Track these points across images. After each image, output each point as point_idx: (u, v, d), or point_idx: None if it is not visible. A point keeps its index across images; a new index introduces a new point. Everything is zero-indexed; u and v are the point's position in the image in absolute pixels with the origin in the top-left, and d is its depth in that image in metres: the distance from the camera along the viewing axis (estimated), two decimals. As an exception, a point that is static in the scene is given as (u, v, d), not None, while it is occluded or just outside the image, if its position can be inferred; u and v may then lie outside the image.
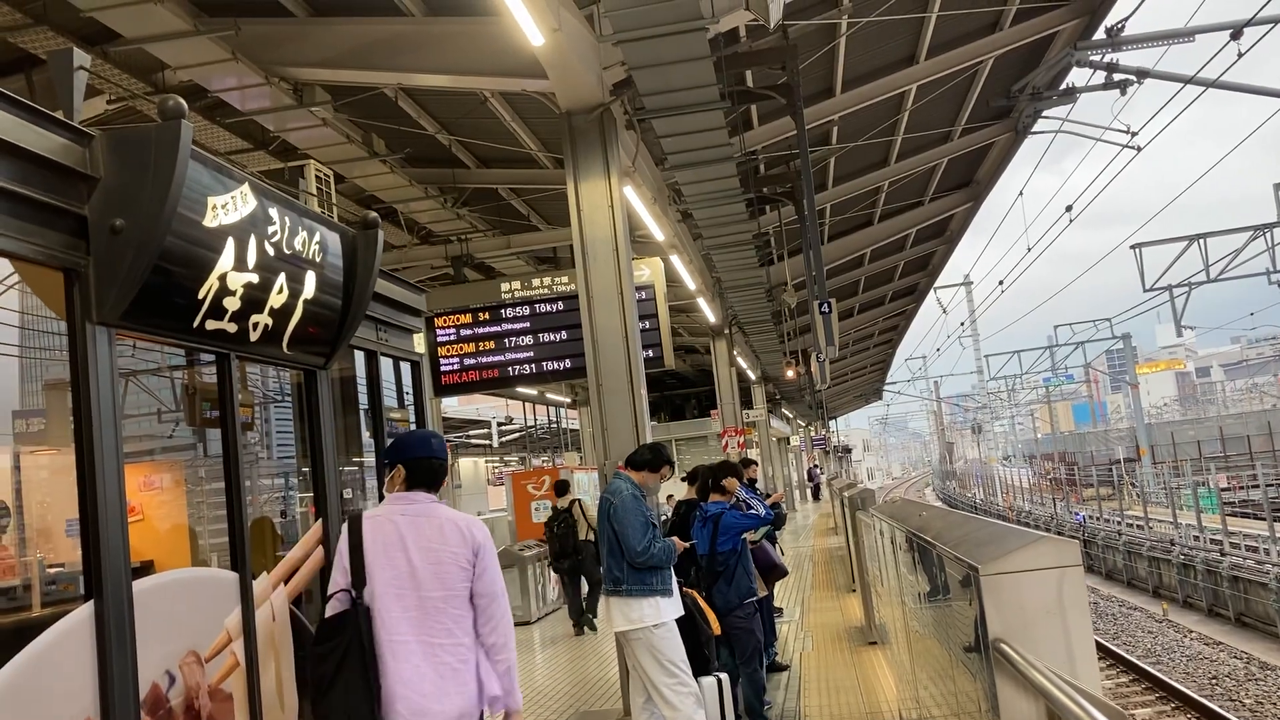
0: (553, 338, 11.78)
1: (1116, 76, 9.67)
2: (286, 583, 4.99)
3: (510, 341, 11.92)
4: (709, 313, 17.18)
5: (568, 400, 28.37)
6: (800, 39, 9.86)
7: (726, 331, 19.54)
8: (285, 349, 5.05)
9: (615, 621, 5.70)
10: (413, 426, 7.17)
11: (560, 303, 11.79)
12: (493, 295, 12.25)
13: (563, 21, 6.92)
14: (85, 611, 3.61)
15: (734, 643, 6.59)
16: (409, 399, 6.98)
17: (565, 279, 11.99)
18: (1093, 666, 2.78)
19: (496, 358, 11.88)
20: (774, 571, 8.04)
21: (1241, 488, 37.99)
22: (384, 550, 3.79)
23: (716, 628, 6.21)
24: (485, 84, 8.45)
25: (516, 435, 37.91)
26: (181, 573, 4.27)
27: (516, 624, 6.09)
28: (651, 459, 6.00)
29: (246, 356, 4.84)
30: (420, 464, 3.95)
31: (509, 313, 11.95)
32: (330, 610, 3.77)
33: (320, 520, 5.36)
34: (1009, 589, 2.78)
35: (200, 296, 4.25)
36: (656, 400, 29.15)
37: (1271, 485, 27.83)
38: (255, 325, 4.73)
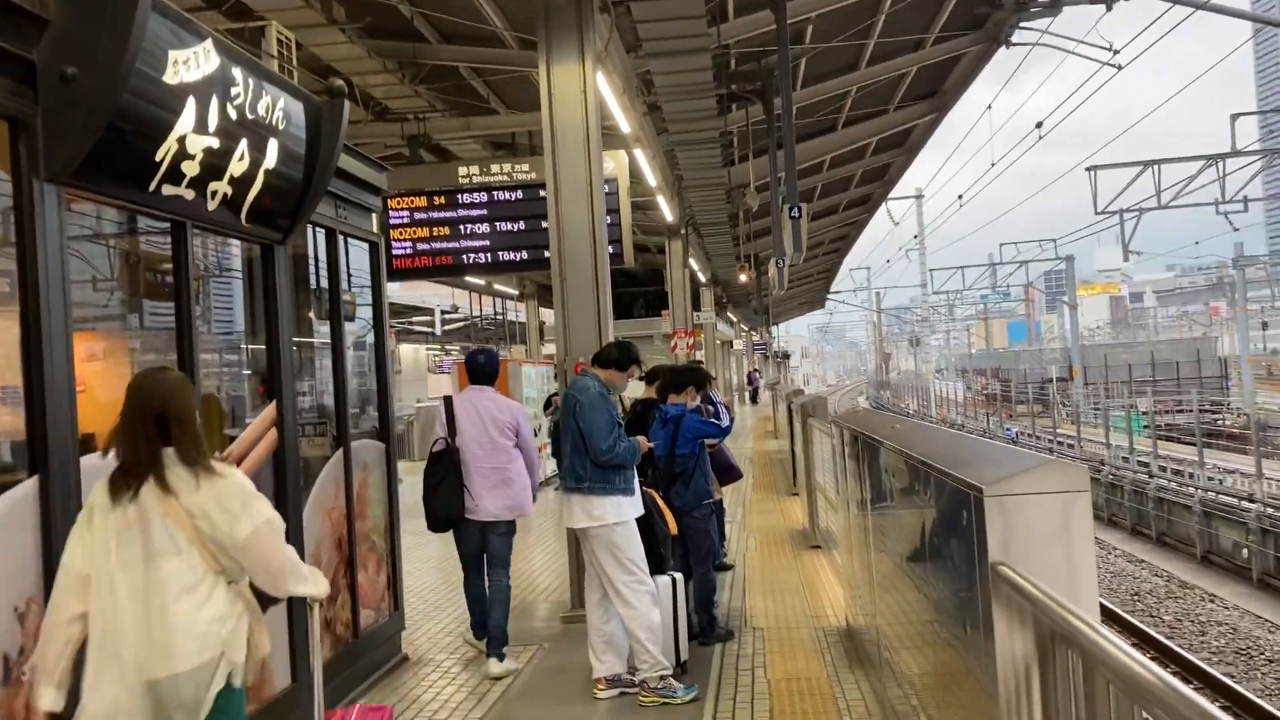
0: (510, 227, 11.47)
1: (1103, -9, 9.50)
2: (239, 464, 4.81)
3: (466, 228, 11.58)
4: (667, 211, 16.92)
5: (516, 293, 28.04)
6: (784, -72, 9.49)
7: (683, 231, 19.31)
8: (244, 220, 4.78)
9: (575, 518, 5.62)
10: (369, 309, 6.94)
11: (520, 191, 11.45)
12: (449, 179, 11.86)
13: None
14: (28, 487, 3.41)
15: (689, 543, 6.57)
16: (356, 279, 6.72)
17: (526, 166, 11.64)
18: (1093, 594, 2.73)
19: (451, 244, 11.55)
20: (730, 473, 8.03)
21: (1168, 412, 39.04)
22: (467, 415, 6.42)
23: (674, 527, 6.17)
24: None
25: (461, 325, 37.54)
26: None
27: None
28: (620, 357, 5.88)
29: (203, 226, 4.57)
30: (476, 370, 6.66)
31: (466, 198, 11.58)
32: (435, 449, 6.41)
33: (275, 401, 5.17)
34: (1013, 512, 2.70)
35: (158, 159, 3.96)
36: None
37: (1204, 410, 28.70)
38: (214, 193, 4.45)
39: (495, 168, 11.74)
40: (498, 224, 11.51)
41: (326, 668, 5.32)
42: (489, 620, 6.36)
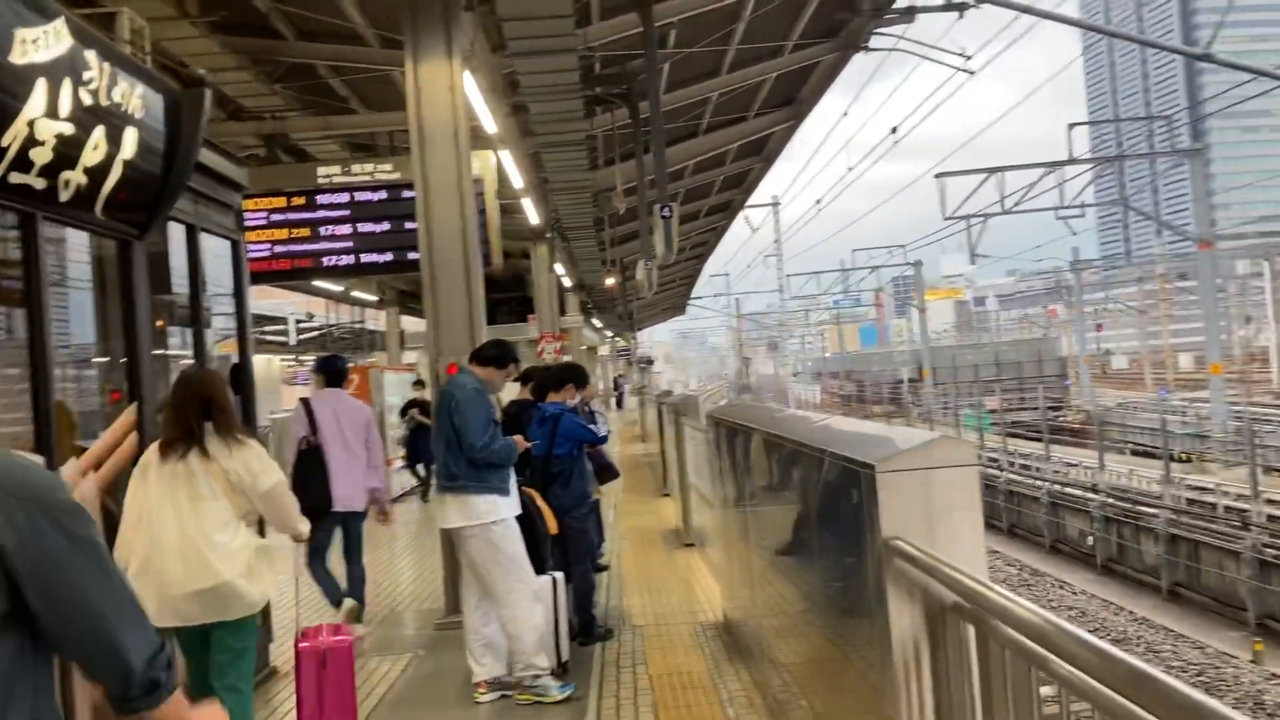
0: (373, 228, 11.20)
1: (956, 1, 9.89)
2: (96, 470, 4.54)
3: (326, 230, 11.24)
4: (533, 214, 16.79)
5: (375, 299, 27.43)
6: (649, -68, 9.55)
7: (548, 235, 19.22)
8: (99, 213, 4.53)
9: (450, 518, 5.52)
10: (230, 311, 6.67)
11: (383, 191, 11.18)
12: (308, 180, 11.51)
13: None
14: None
15: (568, 543, 6.53)
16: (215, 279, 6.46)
17: (389, 166, 11.39)
18: (984, 566, 2.81)
19: (311, 246, 11.19)
20: (608, 472, 8.01)
21: (1013, 409, 40.87)
22: (324, 415, 7.01)
23: (554, 527, 6.13)
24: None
25: (317, 334, 36.51)
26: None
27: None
28: (498, 355, 5.81)
29: (55, 218, 4.31)
30: (332, 373, 7.44)
31: (326, 199, 11.25)
32: (301, 447, 6.82)
33: (134, 404, 4.90)
34: (904, 488, 2.76)
35: (4, 144, 3.72)
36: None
37: (1048, 408, 30.09)
38: (67, 183, 4.20)
39: (357, 168, 11.46)
40: (360, 225, 11.22)
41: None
42: (350, 593, 6.98)
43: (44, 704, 1.63)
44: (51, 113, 3.86)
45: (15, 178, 3.83)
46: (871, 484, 2.78)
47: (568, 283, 26.68)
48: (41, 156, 3.91)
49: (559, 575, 6.05)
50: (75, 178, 4.21)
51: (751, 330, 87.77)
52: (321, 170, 11.53)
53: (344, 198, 11.23)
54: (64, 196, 4.19)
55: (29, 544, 1.54)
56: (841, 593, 3.25)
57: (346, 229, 11.19)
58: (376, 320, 33.62)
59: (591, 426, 6.94)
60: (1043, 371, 50.34)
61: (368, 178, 11.33)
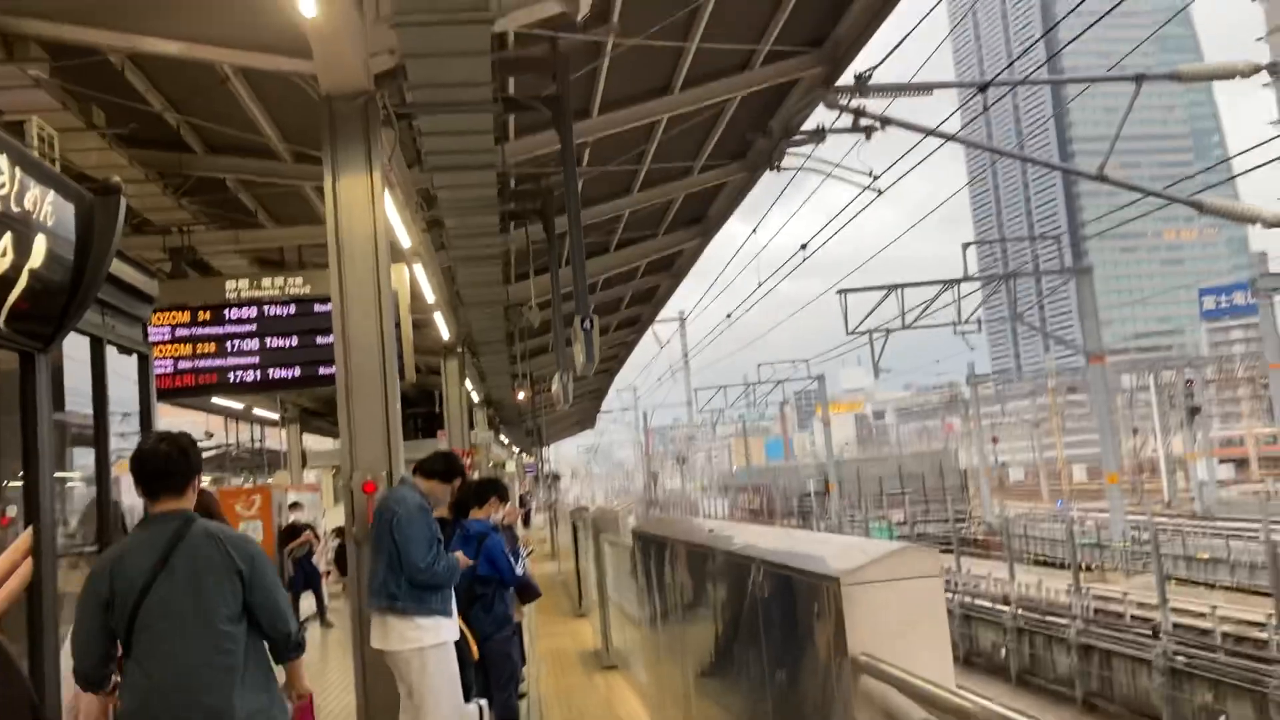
0: (282, 343, 10.94)
1: (863, 122, 10.25)
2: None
3: (233, 345, 10.95)
4: (444, 329, 16.67)
5: (276, 417, 26.75)
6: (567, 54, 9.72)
7: (459, 350, 19.06)
8: (1, 324, 4.29)
9: (389, 640, 5.24)
10: (137, 431, 6.35)
11: (293, 306, 10.97)
12: (215, 294, 11.24)
13: (331, -3, 6.42)
14: None
15: (491, 668, 6.26)
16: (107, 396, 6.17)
17: (300, 280, 11.19)
18: (951, 680, 2.71)
19: (217, 361, 10.86)
20: (529, 591, 7.75)
21: (917, 521, 41.40)
22: None
23: (475, 652, 5.88)
24: (238, 59, 7.70)
25: (213, 453, 35.39)
26: None
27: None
28: (445, 469, 5.63)
29: (-46, 329, 4.06)
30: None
31: (234, 314, 10.97)
32: None
33: (31, 528, 4.58)
34: (872, 601, 2.67)
35: (-97, 250, 3.51)
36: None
37: (950, 520, 30.61)
38: (-32, 292, 3.98)
39: (266, 282, 11.23)
40: (268, 340, 10.96)
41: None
42: None
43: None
44: (-43, 218, 3.67)
45: (-86, 286, 3.61)
46: (836, 597, 2.69)
47: (476, 398, 26.43)
48: (-57, 264, 3.70)
49: (484, 702, 5.79)
50: (-22, 287, 3.99)
51: (659, 444, 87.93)
52: (229, 284, 11.27)
53: (252, 312, 10.98)
54: (-35, 306, 3.96)
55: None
56: (804, 709, 3.11)
57: (254, 344, 10.91)
58: (278, 439, 32.78)
59: (513, 564, 6.68)
60: (944, 483, 51.20)
61: (277, 292, 11.10)
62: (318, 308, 10.82)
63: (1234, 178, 22.43)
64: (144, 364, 6.33)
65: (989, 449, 58.74)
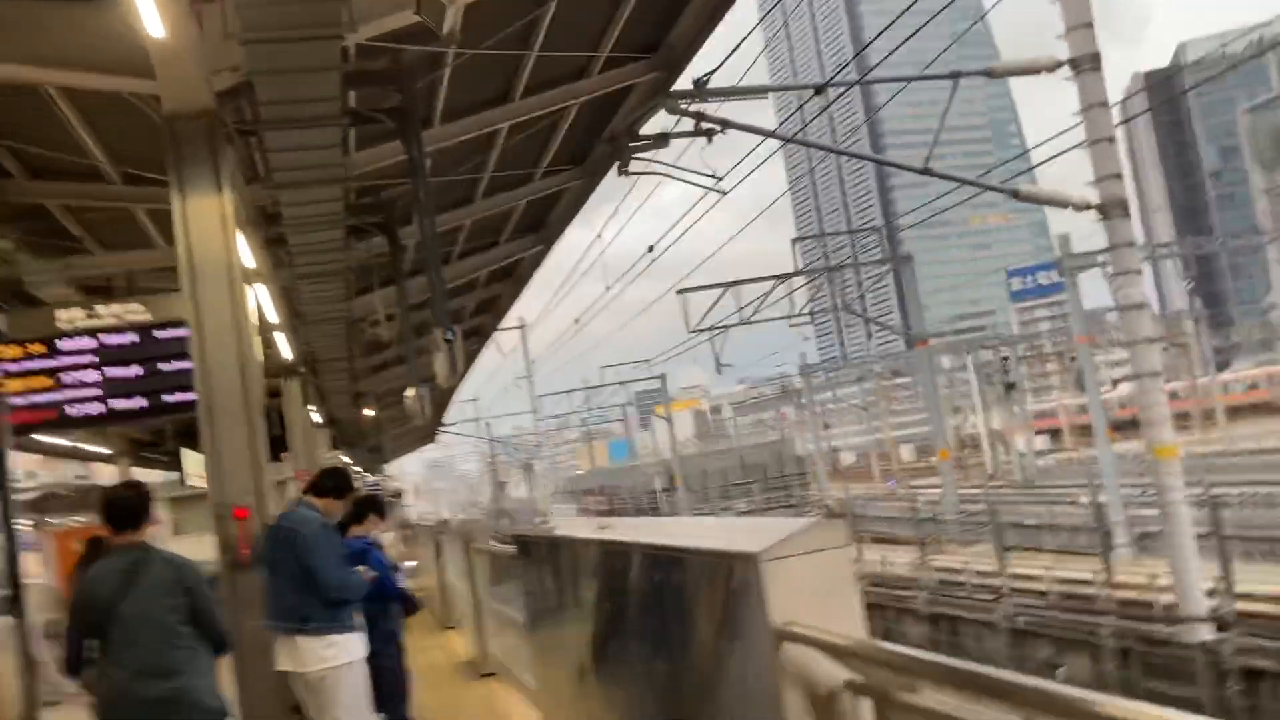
0: (125, 373, 10.49)
1: (704, 125, 10.57)
2: None
3: (70, 377, 10.43)
4: (285, 349, 16.26)
5: (108, 451, 25.42)
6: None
7: (301, 370, 18.59)
8: None
9: (306, 661, 5.20)
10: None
11: (134, 334, 10.51)
12: (45, 326, 10.68)
13: (175, 16, 6.29)
14: None
15: (381, 685, 6.24)
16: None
17: (139, 306, 10.74)
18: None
19: (54, 396, 10.31)
20: (411, 606, 7.74)
21: (760, 509, 42.52)
22: None
23: (364, 670, 5.87)
24: (74, 80, 7.42)
25: (34, 495, 33.33)
26: None
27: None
28: (337, 485, 5.61)
29: None
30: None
31: (69, 344, 10.44)
32: None
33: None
34: (791, 574, 2.88)
35: None
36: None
37: (793, 505, 31.64)
38: None
39: (102, 309, 10.75)
40: (108, 370, 10.49)
41: None
42: None
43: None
44: None
45: None
46: (756, 572, 2.88)
47: (318, 418, 25.77)
48: None
49: (379, 718, 5.79)
50: None
51: (505, 453, 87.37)
52: (61, 314, 10.74)
53: (89, 342, 10.48)
54: None
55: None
56: (723, 689, 3.30)
57: (95, 375, 10.42)
58: (105, 475, 31.14)
59: (396, 580, 6.72)
60: (784, 470, 52.75)
61: (115, 320, 10.64)
62: (161, 334, 10.43)
63: (1034, 167, 24.03)
64: (-7, 402, 6.05)
65: (822, 435, 60.83)
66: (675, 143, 12.01)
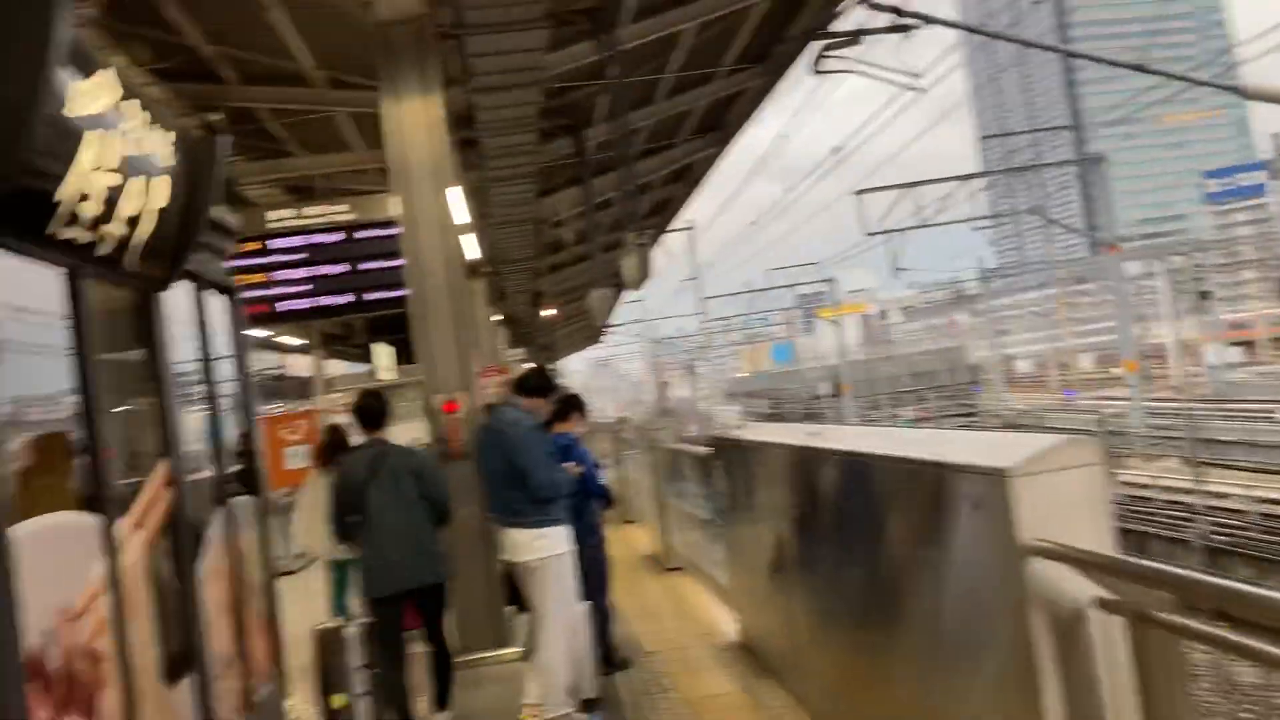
0: (331, 270, 11.03)
1: (902, 21, 10.19)
2: (140, 530, 4.40)
3: (281, 275, 11.04)
4: (471, 249, 16.74)
5: (301, 343, 26.91)
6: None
7: (485, 270, 19.15)
8: (129, 265, 4.41)
9: (519, 552, 5.50)
10: (219, 365, 6.50)
11: (341, 233, 11.02)
12: (257, 226, 11.30)
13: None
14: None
15: (586, 574, 6.51)
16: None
17: (345, 207, 11.24)
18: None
19: (265, 292, 10.97)
20: (608, 500, 8.01)
21: (933, 417, 41.86)
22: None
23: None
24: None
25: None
26: (48, 519, 3.64)
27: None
28: (543, 384, 5.83)
29: (92, 272, 4.18)
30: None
31: (280, 244, 11.04)
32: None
33: (165, 460, 4.76)
34: (1039, 490, 2.85)
35: (56, 199, 3.61)
36: (396, 341, 28.15)
37: (962, 414, 30.95)
38: (105, 237, 4.08)
39: (311, 210, 11.28)
40: (318, 268, 11.05)
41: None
42: None
43: None
44: (99, 165, 3.77)
45: (64, 233, 3.73)
46: (1003, 489, 2.87)
47: (497, 316, 26.58)
48: (88, 210, 3.81)
49: (585, 605, 6.06)
50: (114, 230, 4.10)
51: (668, 354, 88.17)
52: (272, 214, 11.32)
53: (299, 241, 11.04)
54: (101, 250, 4.08)
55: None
56: (955, 603, 3.31)
57: (303, 273, 11.00)
58: (294, 367, 32.94)
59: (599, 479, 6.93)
60: (955, 379, 51.52)
61: (323, 220, 11.15)
62: (365, 234, 10.89)
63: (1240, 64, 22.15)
64: (234, 299, 6.45)
65: (997, 343, 59.02)
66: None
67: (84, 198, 3.75)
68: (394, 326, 30.99)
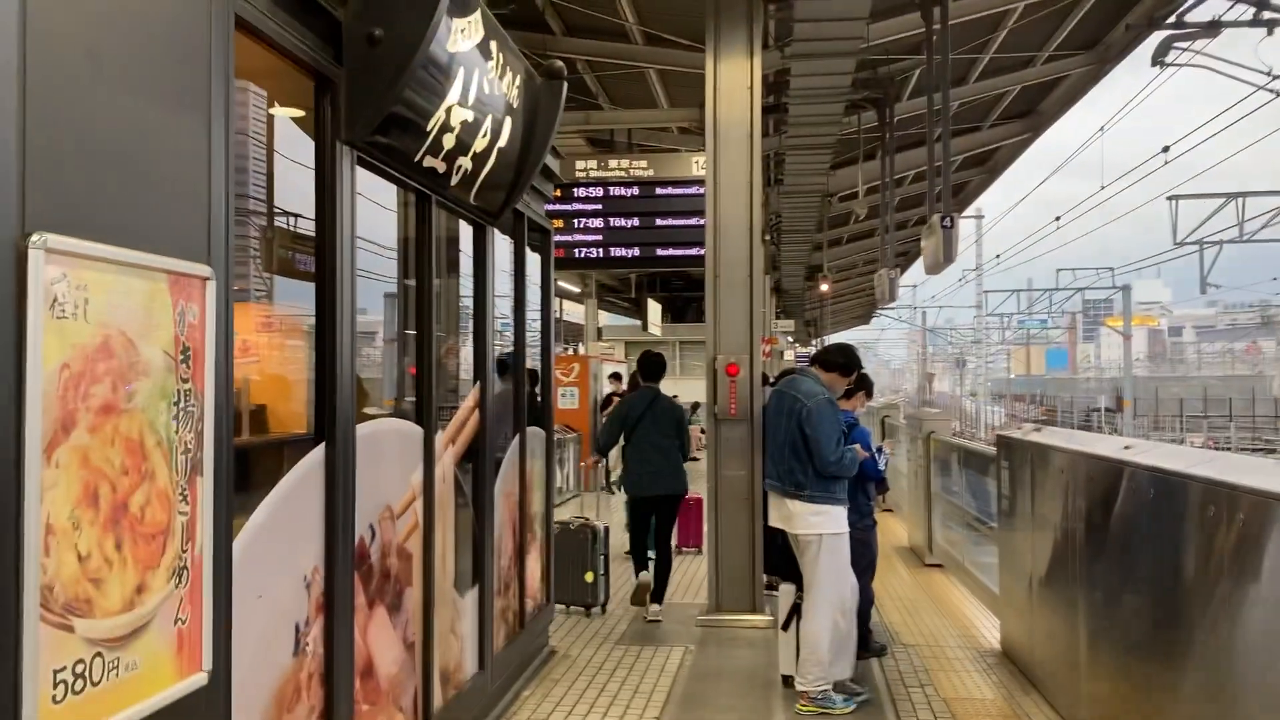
0: (624, 223, 11.39)
1: (1266, 15, 9.29)
2: (453, 445, 4.71)
3: (580, 223, 11.51)
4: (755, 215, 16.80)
5: (578, 290, 27.93)
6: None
7: (765, 238, 19.16)
8: (472, 197, 4.69)
9: (794, 524, 5.52)
10: (536, 302, 6.84)
11: (636, 188, 11.36)
12: (567, 173, 11.79)
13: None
14: (317, 455, 3.31)
15: (856, 557, 6.42)
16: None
17: (644, 163, 11.55)
18: None
19: (564, 238, 11.47)
20: (882, 485, 7.87)
21: (1221, 449, 38.47)
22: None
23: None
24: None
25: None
26: (383, 423, 3.96)
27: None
28: (845, 362, 5.77)
29: (443, 201, 4.48)
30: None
31: (581, 193, 11.50)
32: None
33: (478, 384, 5.07)
34: None
35: (428, 129, 3.87)
36: (665, 299, 28.72)
37: (1261, 449, 28.16)
38: (458, 168, 4.36)
39: (613, 163, 11.64)
40: (612, 220, 11.42)
41: (495, 660, 5.24)
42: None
43: None
44: (463, 100, 4.01)
45: (427, 161, 3.99)
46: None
47: (768, 284, 26.55)
48: (448, 142, 4.06)
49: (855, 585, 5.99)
50: (465, 163, 4.36)
51: (938, 345, 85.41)
52: (579, 164, 11.76)
53: (598, 191, 11.44)
54: (454, 180, 4.35)
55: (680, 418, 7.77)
56: (1271, 642, 3.03)
57: (599, 223, 11.40)
58: (570, 314, 34.22)
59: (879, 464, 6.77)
60: (1255, 411, 47.09)
61: (622, 174, 11.49)
62: (659, 190, 11.13)
63: None
64: (545, 240, 6.75)
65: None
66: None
67: (447, 129, 4.00)
68: (666, 285, 31.36)
